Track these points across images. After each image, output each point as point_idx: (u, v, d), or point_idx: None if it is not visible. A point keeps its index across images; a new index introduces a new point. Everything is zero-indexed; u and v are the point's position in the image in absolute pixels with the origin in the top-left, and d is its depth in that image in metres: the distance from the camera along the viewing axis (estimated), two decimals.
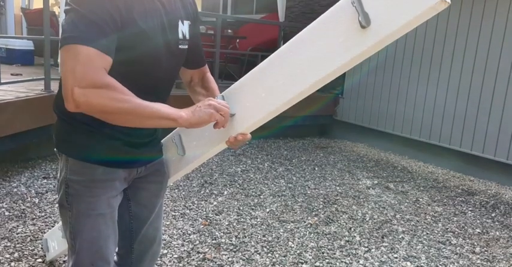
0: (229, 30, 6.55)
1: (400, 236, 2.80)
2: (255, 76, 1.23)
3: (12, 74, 4.66)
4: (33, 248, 2.35)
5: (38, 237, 2.46)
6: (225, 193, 3.38)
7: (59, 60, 4.32)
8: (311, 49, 1.10)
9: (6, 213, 2.74)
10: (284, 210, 3.11)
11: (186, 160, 1.39)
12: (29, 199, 2.99)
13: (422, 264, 2.45)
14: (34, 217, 2.72)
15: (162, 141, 1.49)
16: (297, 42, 1.14)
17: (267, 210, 3.09)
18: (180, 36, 1.23)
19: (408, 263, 2.45)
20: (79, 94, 0.96)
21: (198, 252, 2.41)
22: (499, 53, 4.04)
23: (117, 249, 1.47)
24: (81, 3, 1.01)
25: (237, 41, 6.46)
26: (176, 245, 2.47)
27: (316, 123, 5.62)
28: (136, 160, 1.27)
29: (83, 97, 0.96)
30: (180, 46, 1.23)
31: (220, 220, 2.86)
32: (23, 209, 2.82)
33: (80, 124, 1.16)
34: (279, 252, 2.48)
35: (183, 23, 1.24)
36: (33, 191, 3.13)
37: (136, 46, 1.10)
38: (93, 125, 1.14)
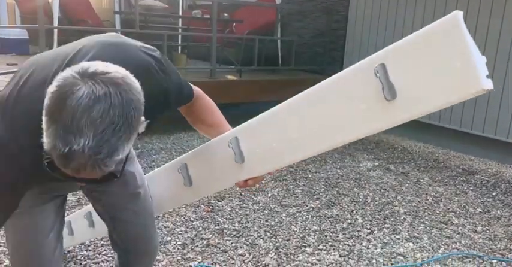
0: (226, 14, 6.47)
1: (402, 217, 2.82)
2: (267, 121, 1.15)
3: (8, 64, 4.62)
4: None
5: None
6: None
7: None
8: (329, 109, 1.00)
9: None
10: (286, 194, 3.12)
11: (191, 191, 1.34)
12: None
13: (424, 244, 2.47)
14: None
15: (166, 165, 1.44)
16: (315, 97, 1.05)
17: (269, 195, 3.10)
18: None
19: (411, 244, 2.47)
20: None
21: (202, 239, 2.42)
22: (499, 29, 4.00)
23: (115, 250, 1.46)
24: None
25: (234, 24, 6.39)
26: (180, 232, 2.49)
27: None
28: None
29: None
30: None
31: (222, 206, 2.87)
32: None
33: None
34: (282, 236, 2.50)
35: None
36: None
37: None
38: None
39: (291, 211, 2.85)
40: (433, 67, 0.84)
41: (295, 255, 2.29)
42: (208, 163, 1.30)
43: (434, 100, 0.84)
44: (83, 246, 2.28)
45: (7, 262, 2.12)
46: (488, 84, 0.80)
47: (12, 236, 1.17)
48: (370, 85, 0.90)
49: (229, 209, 2.83)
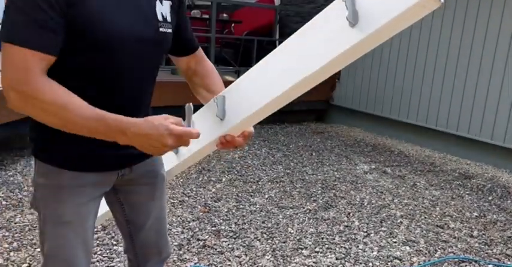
0: (225, 14, 6.46)
1: (399, 221, 2.82)
2: (250, 74, 1.18)
3: None
4: (32, 237, 2.34)
5: (36, 226, 2.45)
6: (223, 179, 3.37)
7: None
8: (300, 47, 1.06)
9: (4, 202, 2.72)
10: (283, 196, 3.12)
11: (176, 158, 1.31)
12: (25, 187, 2.97)
13: (421, 248, 2.47)
14: None
15: None
16: (290, 41, 1.10)
17: (266, 196, 3.09)
18: (160, 17, 1.10)
19: (407, 248, 2.47)
20: (14, 99, 0.93)
21: (198, 240, 2.41)
22: (496, 36, 4.01)
23: (127, 253, 1.41)
24: None
25: (232, 25, 6.39)
26: (176, 233, 2.47)
27: (312, 108, 5.61)
28: (113, 163, 1.15)
29: (14, 101, 0.93)
30: (161, 29, 1.10)
31: (219, 207, 2.86)
32: (20, 198, 2.80)
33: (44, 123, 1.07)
34: (278, 238, 2.49)
35: (161, 3, 1.11)
36: (29, 179, 3.11)
37: (94, 31, 0.97)
38: None
39: (287, 212, 2.84)
40: None
41: (292, 258, 2.29)
42: (196, 125, 1.29)
43: (387, 17, 0.91)
44: None
45: (1, 261, 2.10)
46: None
47: (55, 240, 1.12)
48: (338, 15, 0.98)
49: (226, 210, 2.82)
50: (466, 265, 2.33)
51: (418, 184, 3.55)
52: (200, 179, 3.34)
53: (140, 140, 0.96)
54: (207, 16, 6.11)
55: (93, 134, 0.97)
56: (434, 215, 2.94)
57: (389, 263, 2.30)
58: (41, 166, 1.10)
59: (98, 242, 2.32)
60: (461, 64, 4.30)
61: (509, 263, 2.38)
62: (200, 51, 1.32)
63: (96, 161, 1.11)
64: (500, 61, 4.01)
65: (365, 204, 3.06)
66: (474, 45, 4.19)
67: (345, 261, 2.29)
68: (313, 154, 4.22)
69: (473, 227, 2.80)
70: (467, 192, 3.43)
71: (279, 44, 6.83)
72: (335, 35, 0.99)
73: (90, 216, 1.15)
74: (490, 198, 3.33)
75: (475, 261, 2.37)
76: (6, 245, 2.24)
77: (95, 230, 2.41)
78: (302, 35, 1.08)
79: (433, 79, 4.56)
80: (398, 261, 2.32)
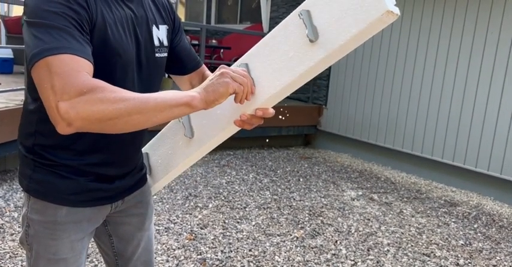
0: (214, 40, 6.55)
1: (386, 249, 2.81)
2: None
3: None
4: (12, 265, 2.27)
5: (17, 253, 2.39)
6: (210, 205, 3.34)
7: None
8: (265, 63, 1.05)
9: None
10: (270, 223, 3.10)
11: (195, 143, 1.21)
12: (7, 213, 2.90)
13: None
14: (13, 232, 2.63)
15: (163, 130, 1.34)
16: (255, 53, 1.09)
17: (253, 223, 3.07)
18: (156, 43, 1.10)
19: None
20: (66, 109, 0.79)
21: None
22: (479, 65, 4.13)
23: None
24: (37, 13, 0.86)
25: (221, 51, 6.47)
26: (161, 261, 2.43)
27: (300, 133, 5.64)
28: (108, 196, 1.13)
29: (71, 110, 0.79)
30: (156, 54, 1.10)
31: (205, 234, 2.82)
32: (2, 224, 2.74)
33: (41, 158, 1.04)
34: None
35: (158, 28, 1.11)
36: (12, 205, 3.04)
37: (104, 57, 0.95)
38: (57, 158, 1.04)
39: (275, 240, 2.82)
40: (347, 3, 0.93)
41: None
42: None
43: (348, 32, 0.92)
44: None
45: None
46: (394, 8, 0.88)
47: None
48: (296, 31, 1.00)
49: (212, 237, 2.79)
50: None
51: (405, 211, 3.56)
52: (186, 205, 3.31)
53: (211, 87, 0.94)
54: (196, 42, 6.19)
55: (169, 113, 0.88)
56: (420, 243, 2.94)
57: None
58: (35, 202, 1.06)
59: None
60: (446, 93, 4.40)
61: None
62: (204, 66, 1.34)
63: (93, 195, 1.09)
64: (482, 91, 4.11)
65: (352, 231, 3.05)
66: (457, 74, 4.29)
67: None
68: (301, 179, 4.23)
69: (459, 255, 2.81)
70: (453, 220, 3.45)
71: None
72: (296, 53, 0.99)
73: (83, 251, 1.13)
74: (475, 226, 3.35)
75: None
76: None
77: None
78: (265, 49, 1.06)
79: (418, 107, 4.65)
80: None
